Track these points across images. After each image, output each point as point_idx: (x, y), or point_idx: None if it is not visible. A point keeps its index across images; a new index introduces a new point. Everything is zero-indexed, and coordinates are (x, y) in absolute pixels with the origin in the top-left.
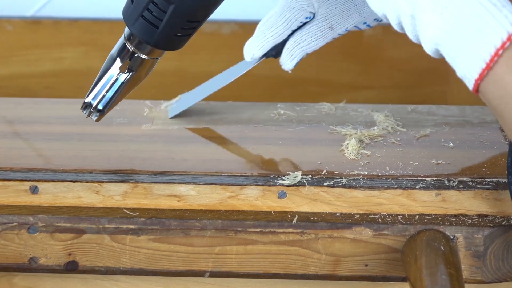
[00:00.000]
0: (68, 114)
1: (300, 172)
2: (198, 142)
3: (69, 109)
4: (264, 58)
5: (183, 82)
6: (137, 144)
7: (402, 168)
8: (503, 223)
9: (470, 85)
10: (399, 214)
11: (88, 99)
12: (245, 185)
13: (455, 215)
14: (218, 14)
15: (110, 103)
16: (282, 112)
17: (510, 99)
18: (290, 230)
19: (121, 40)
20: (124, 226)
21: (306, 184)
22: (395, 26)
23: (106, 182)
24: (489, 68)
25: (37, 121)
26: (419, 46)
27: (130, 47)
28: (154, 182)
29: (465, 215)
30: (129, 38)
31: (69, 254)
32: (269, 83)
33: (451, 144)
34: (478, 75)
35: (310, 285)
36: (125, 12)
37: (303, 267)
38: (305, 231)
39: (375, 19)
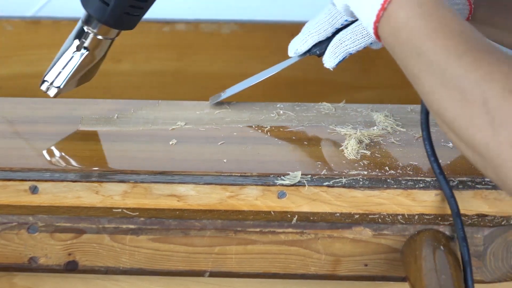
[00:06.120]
0: (68, 114)
1: (299, 172)
2: (198, 142)
3: (69, 109)
4: (307, 55)
5: (183, 82)
6: (137, 144)
7: (401, 168)
8: (502, 223)
9: (371, 29)
10: (398, 214)
11: (47, 77)
12: (245, 185)
13: None
14: (218, 14)
15: (66, 80)
16: (282, 112)
17: (399, 33)
18: (290, 230)
19: (79, 23)
20: (124, 226)
21: (306, 184)
22: None
23: (106, 182)
24: (383, 9)
25: (37, 121)
26: None
27: (85, 27)
28: (154, 182)
29: (464, 215)
30: (85, 20)
31: (69, 254)
32: (269, 83)
33: (451, 144)
34: (376, 17)
35: (310, 285)
36: None
37: (303, 267)
38: (304, 231)
39: None
